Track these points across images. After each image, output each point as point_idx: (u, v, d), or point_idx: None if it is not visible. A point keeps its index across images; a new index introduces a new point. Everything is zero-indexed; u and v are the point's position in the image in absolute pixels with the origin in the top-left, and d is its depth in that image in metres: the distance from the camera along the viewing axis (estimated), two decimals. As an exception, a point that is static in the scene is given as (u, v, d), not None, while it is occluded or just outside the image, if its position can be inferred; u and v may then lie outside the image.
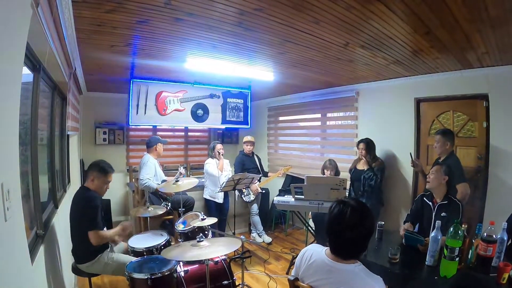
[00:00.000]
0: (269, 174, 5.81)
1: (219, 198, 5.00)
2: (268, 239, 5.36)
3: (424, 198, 2.96)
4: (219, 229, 4.51)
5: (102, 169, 2.89)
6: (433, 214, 2.78)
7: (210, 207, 5.07)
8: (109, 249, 2.94)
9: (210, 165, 5.00)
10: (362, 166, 4.26)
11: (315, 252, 1.72)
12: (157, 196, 4.49)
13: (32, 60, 2.07)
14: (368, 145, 4.19)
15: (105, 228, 2.95)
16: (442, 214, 2.67)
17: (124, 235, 2.91)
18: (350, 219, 1.51)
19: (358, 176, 4.23)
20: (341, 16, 2.18)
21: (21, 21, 1.37)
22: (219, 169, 4.94)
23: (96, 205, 2.72)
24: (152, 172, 4.45)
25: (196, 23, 2.37)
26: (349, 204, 1.56)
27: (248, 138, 5.58)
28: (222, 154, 5.03)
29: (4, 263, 1.17)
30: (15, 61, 1.38)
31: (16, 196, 1.35)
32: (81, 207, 2.72)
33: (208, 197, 5.07)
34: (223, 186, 4.49)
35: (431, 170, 2.91)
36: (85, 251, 2.74)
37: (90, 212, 2.66)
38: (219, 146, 5.06)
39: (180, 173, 4.26)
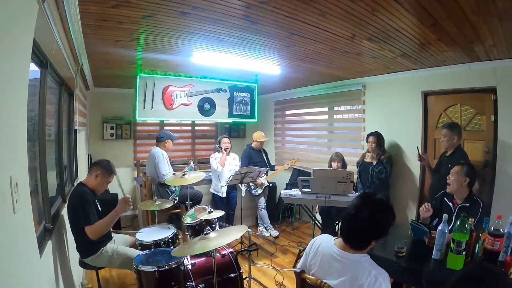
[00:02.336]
0: (276, 167, 5.78)
1: (223, 192, 5.01)
2: (275, 232, 5.37)
3: (445, 198, 2.83)
4: (227, 223, 4.54)
5: (108, 169, 2.94)
6: (454, 215, 2.64)
7: (216, 201, 5.13)
8: (112, 240, 2.96)
9: (214, 159, 5.04)
10: (370, 159, 4.25)
11: (324, 241, 1.75)
12: (166, 189, 4.54)
13: (39, 56, 2.09)
14: (378, 138, 4.19)
15: None
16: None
17: (128, 206, 2.85)
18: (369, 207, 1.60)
19: (366, 168, 4.23)
20: (347, 8, 2.16)
21: (28, 17, 1.38)
22: (221, 164, 4.96)
23: (88, 201, 2.71)
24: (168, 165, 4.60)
25: (201, 16, 2.37)
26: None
27: (263, 138, 5.46)
28: (225, 149, 5.02)
29: (13, 255, 1.19)
30: (22, 57, 1.39)
31: (24, 189, 1.37)
32: (74, 203, 2.73)
33: (213, 191, 5.14)
34: (229, 179, 4.51)
35: (451, 172, 2.74)
36: (86, 245, 2.75)
37: (83, 209, 2.67)
38: (224, 140, 5.07)
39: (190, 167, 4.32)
